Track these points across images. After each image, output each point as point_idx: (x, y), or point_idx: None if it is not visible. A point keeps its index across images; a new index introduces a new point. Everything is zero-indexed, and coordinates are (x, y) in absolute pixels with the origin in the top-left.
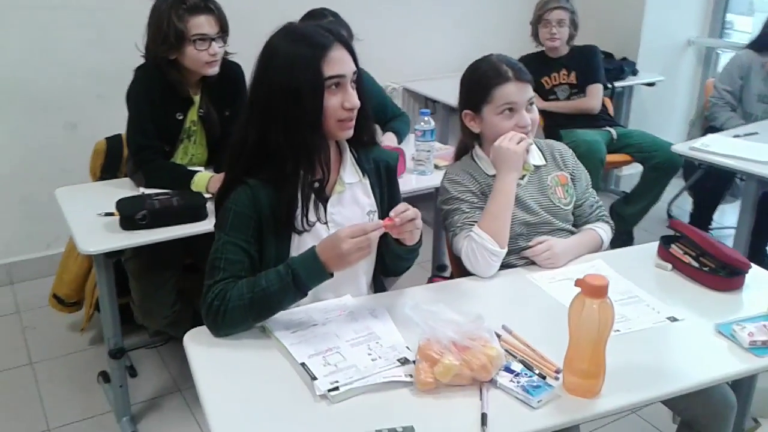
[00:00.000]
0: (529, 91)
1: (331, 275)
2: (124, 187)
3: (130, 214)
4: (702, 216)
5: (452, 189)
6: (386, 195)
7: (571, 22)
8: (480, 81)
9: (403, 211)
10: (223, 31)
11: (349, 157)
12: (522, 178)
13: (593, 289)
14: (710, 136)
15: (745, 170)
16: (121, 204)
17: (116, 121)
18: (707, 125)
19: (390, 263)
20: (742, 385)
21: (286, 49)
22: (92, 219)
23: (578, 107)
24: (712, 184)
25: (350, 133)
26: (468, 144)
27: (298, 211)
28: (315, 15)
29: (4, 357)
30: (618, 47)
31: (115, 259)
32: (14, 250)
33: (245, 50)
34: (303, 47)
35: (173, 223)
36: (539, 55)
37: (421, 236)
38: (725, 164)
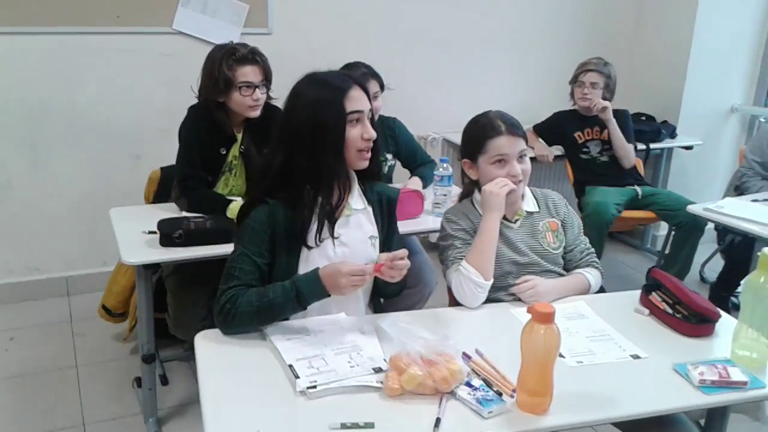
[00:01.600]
0: (520, 144)
1: (329, 294)
2: (169, 210)
3: (168, 233)
4: (728, 279)
5: (448, 227)
6: (386, 225)
7: (606, 86)
8: (476, 133)
9: (400, 258)
10: (267, 79)
11: (356, 186)
12: (515, 221)
13: (541, 316)
14: (727, 199)
15: (753, 232)
16: (162, 224)
17: (175, 153)
18: (740, 194)
19: (381, 287)
20: (712, 429)
21: (311, 92)
22: (137, 236)
23: (623, 142)
24: (744, 250)
25: (366, 162)
26: (469, 189)
27: (311, 229)
28: (350, 67)
29: (54, 359)
30: (660, 110)
31: (155, 274)
32: (74, 264)
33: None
34: (326, 89)
35: (206, 243)
36: (573, 111)
37: (406, 276)
38: (736, 226)
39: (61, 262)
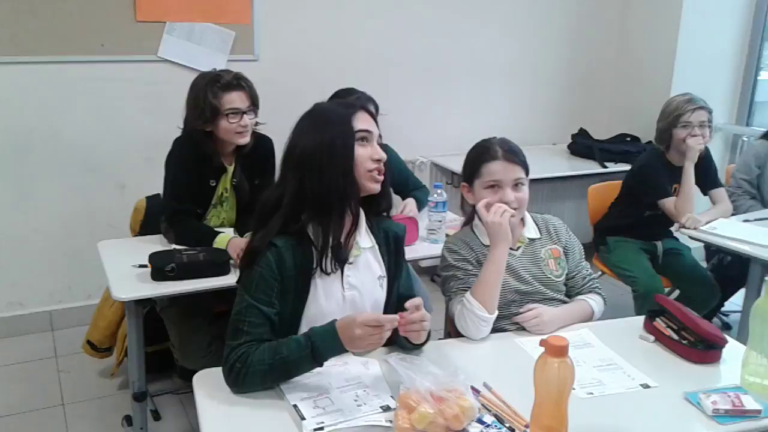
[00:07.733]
0: (516, 172)
1: (346, 350)
2: (158, 243)
3: (160, 266)
4: None
5: (450, 257)
6: (393, 263)
7: (709, 121)
8: (474, 157)
9: (415, 308)
10: (254, 105)
11: (364, 223)
12: (517, 249)
13: (555, 349)
14: (720, 220)
15: (747, 253)
16: (153, 257)
17: (161, 182)
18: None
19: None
20: None
21: (318, 116)
22: (127, 270)
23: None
24: (736, 270)
25: (379, 186)
26: (471, 215)
27: (323, 264)
28: (341, 94)
29: (39, 397)
30: (644, 131)
31: (146, 307)
32: (57, 298)
33: (280, 120)
34: (334, 112)
35: (199, 276)
36: (661, 156)
37: (429, 335)
38: (729, 247)
39: (45, 296)
